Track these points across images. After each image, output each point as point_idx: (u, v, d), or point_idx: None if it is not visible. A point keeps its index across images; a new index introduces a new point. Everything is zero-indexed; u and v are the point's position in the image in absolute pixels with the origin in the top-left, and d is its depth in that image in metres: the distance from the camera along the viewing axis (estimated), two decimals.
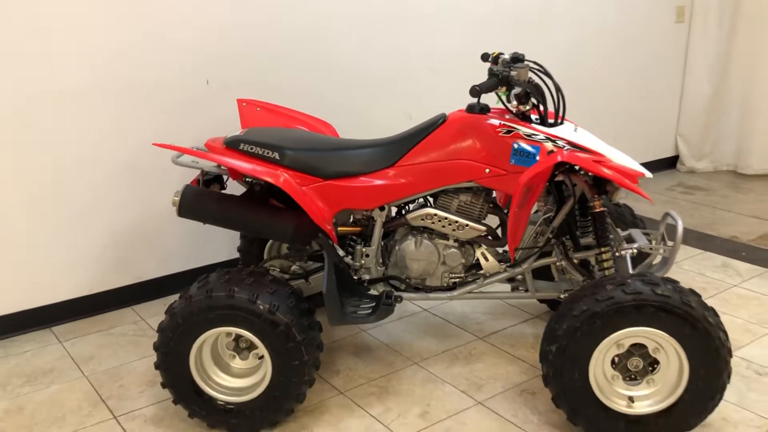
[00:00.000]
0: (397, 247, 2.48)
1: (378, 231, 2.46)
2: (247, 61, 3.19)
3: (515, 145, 2.27)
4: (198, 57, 3.06)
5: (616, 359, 2.13)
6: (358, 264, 2.49)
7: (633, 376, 2.13)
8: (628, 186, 2.10)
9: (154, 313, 3.09)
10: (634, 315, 2.03)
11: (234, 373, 2.27)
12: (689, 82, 5.26)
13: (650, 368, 2.12)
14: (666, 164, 5.48)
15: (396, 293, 2.48)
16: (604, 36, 4.62)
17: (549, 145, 2.24)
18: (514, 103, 2.26)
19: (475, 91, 2.11)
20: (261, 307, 2.09)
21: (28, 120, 2.72)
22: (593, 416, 2.14)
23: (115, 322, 3.01)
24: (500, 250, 2.53)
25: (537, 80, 2.30)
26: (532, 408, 2.37)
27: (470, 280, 2.52)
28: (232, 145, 2.39)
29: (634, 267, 2.51)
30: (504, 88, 2.22)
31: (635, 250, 2.44)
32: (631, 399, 2.13)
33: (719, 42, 5.12)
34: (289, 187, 2.18)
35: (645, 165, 5.22)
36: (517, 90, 2.20)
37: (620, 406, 2.12)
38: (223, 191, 2.46)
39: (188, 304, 2.12)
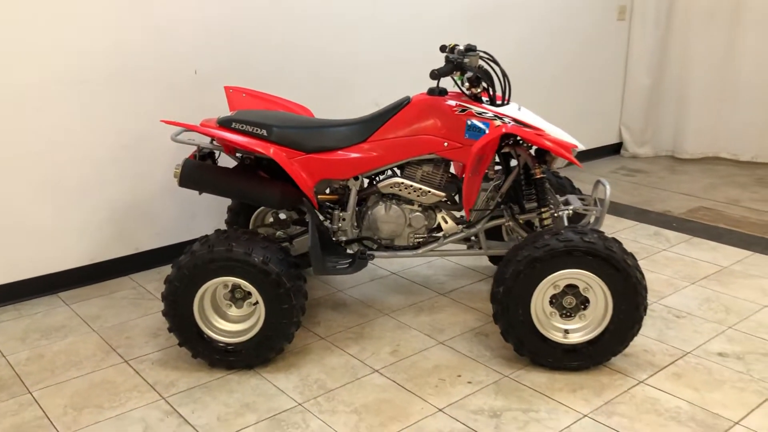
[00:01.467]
0: (369, 212, 2.87)
1: (353, 198, 2.85)
2: (232, 53, 3.55)
3: (468, 122, 2.68)
4: (187, 49, 3.40)
5: (553, 298, 2.55)
6: (335, 227, 2.88)
7: (568, 313, 2.56)
8: (562, 155, 2.53)
9: (151, 280, 3.43)
10: (566, 259, 2.46)
11: (231, 319, 2.63)
12: (631, 75, 5.77)
13: (582, 306, 2.55)
14: (611, 150, 5.98)
15: (369, 252, 2.88)
16: (552, 32, 5.09)
17: (497, 122, 2.66)
18: (468, 86, 2.68)
19: (434, 74, 2.52)
20: (255, 258, 2.47)
21: (38, 105, 3.04)
22: (535, 346, 2.56)
23: (115, 288, 3.35)
24: (458, 214, 2.95)
25: (487, 68, 2.71)
26: (485, 345, 2.78)
27: (432, 240, 2.93)
28: (225, 124, 2.75)
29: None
30: (458, 73, 2.63)
31: (571, 211, 2.88)
32: (566, 331, 2.57)
33: (657, 39, 5.63)
34: (279, 157, 2.56)
35: (592, 151, 5.75)
36: (469, 74, 2.61)
37: (557, 337, 2.55)
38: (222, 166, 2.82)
39: (192, 258, 2.49)
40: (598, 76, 5.58)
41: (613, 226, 4.18)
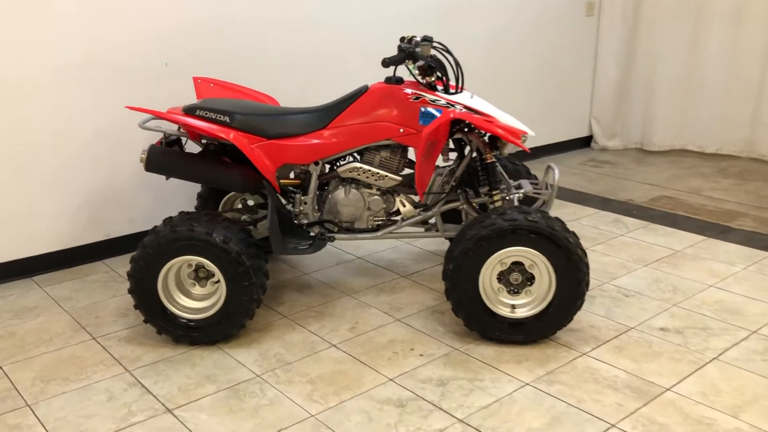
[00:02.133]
0: (330, 196, 3.00)
1: (313, 182, 2.97)
2: (201, 45, 3.67)
3: (422, 109, 2.82)
4: (158, 42, 3.52)
5: (501, 275, 2.68)
6: (297, 210, 3.00)
7: (515, 289, 2.69)
8: (511, 140, 2.66)
9: (122, 265, 3.55)
10: (511, 237, 2.59)
11: (194, 297, 2.75)
12: (600, 69, 5.92)
13: (528, 282, 2.68)
14: (582, 143, 6.13)
15: (329, 234, 3.01)
16: (522, 27, 5.23)
17: (451, 109, 2.78)
18: (421, 74, 2.81)
19: (385, 62, 2.65)
20: (216, 238, 2.59)
21: (12, 94, 3.15)
22: (484, 321, 2.70)
23: (88, 272, 3.46)
24: (416, 198, 3.08)
25: (441, 57, 2.84)
26: (440, 322, 2.92)
27: (390, 222, 3.06)
28: (190, 111, 2.87)
29: None
30: (411, 62, 2.76)
31: (522, 194, 3.02)
32: (513, 306, 2.70)
33: (624, 34, 5.79)
34: (239, 142, 2.69)
35: (563, 144, 5.89)
36: (420, 63, 2.74)
37: (505, 312, 2.69)
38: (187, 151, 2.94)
39: (156, 238, 2.61)
40: (569, 70, 5.73)
41: (575, 214, 4.33)
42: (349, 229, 3.05)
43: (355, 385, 2.46)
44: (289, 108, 2.97)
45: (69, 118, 3.33)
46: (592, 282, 3.31)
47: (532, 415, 2.29)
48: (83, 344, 2.76)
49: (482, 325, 2.71)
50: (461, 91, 2.91)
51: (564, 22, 5.52)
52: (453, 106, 2.80)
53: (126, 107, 2.61)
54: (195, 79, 3.26)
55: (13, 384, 2.48)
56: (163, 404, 2.36)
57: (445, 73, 2.83)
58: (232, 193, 3.40)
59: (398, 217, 3.07)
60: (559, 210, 4.40)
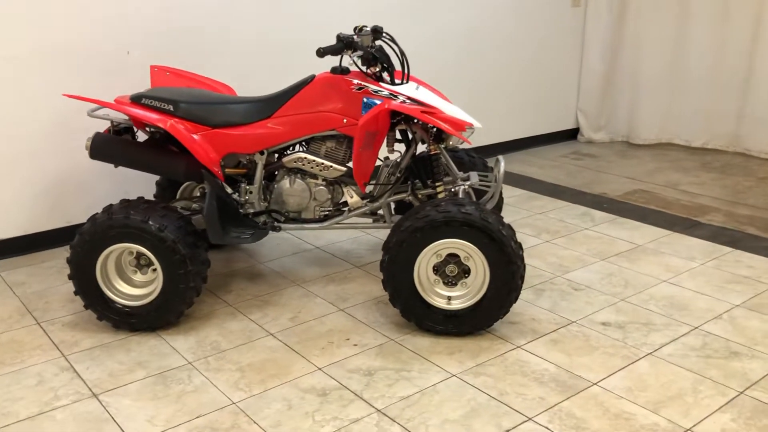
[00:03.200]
0: (276, 186, 3.01)
1: (259, 172, 2.98)
2: (165, 35, 3.68)
3: (365, 99, 2.81)
4: (121, 31, 3.54)
5: (437, 267, 2.68)
6: (243, 199, 3.01)
7: (451, 281, 2.69)
8: (448, 130, 2.65)
9: None
10: (444, 229, 2.58)
11: (135, 284, 2.77)
12: (586, 61, 5.86)
13: (465, 274, 2.68)
14: (568, 135, 6.08)
15: (276, 224, 3.02)
16: (504, 18, 5.18)
17: (394, 100, 2.77)
18: (365, 65, 2.79)
19: (319, 52, 2.65)
20: (152, 226, 2.61)
21: None
22: (420, 312, 2.70)
23: (47, 258, 3.50)
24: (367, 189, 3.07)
25: (389, 47, 2.83)
26: (382, 313, 2.92)
27: (337, 213, 3.06)
28: (136, 99, 2.89)
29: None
30: (351, 52, 2.75)
31: (467, 186, 3.01)
32: (449, 298, 2.70)
33: (610, 25, 5.72)
34: (175, 130, 2.70)
35: (549, 136, 5.85)
36: (359, 52, 2.73)
37: (440, 303, 2.69)
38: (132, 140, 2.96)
39: (93, 225, 2.64)
40: (555, 62, 5.68)
41: (544, 206, 4.30)
42: (296, 219, 3.06)
43: (282, 374, 2.48)
44: (235, 97, 2.98)
45: (29, 105, 3.37)
46: (543, 275, 3.29)
47: (451, 406, 2.29)
48: (26, 329, 2.80)
49: (418, 316, 2.71)
50: (406, 82, 2.90)
51: (549, 12, 5.47)
52: (395, 97, 2.79)
53: (63, 95, 2.64)
54: (152, 67, 3.27)
55: None
56: (90, 389, 2.39)
57: (389, 63, 2.82)
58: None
59: (345, 208, 3.07)
60: (529, 202, 4.37)
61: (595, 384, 2.41)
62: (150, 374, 2.48)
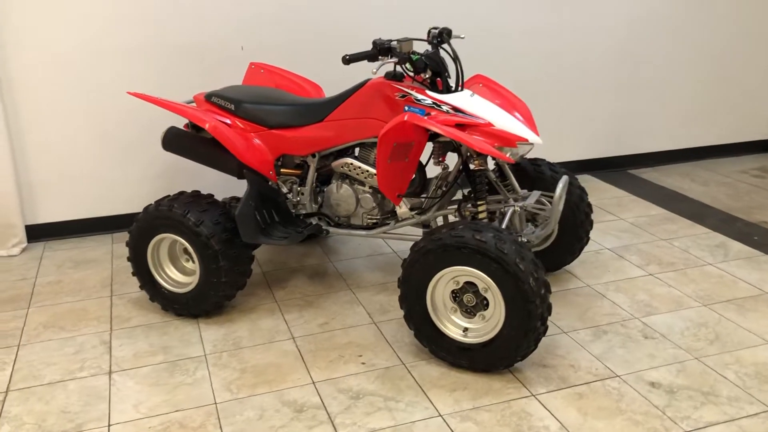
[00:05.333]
0: (326, 190, 2.99)
1: (310, 174, 2.98)
2: (277, 31, 3.82)
3: (406, 108, 2.66)
4: (236, 26, 3.74)
5: (456, 293, 2.47)
6: (296, 200, 3.04)
7: (470, 311, 2.47)
8: (471, 145, 2.42)
9: None
10: (457, 255, 2.37)
11: (186, 272, 2.95)
12: None
13: (485, 305, 2.44)
14: (760, 147, 5.21)
15: (325, 227, 3.01)
16: (679, 6, 4.56)
17: (436, 110, 2.58)
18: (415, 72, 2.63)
19: (345, 59, 2.55)
20: (190, 219, 2.75)
21: (101, 74, 3.60)
22: (432, 338, 2.52)
23: None
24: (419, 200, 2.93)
25: (444, 53, 2.65)
26: (408, 332, 2.77)
27: (385, 222, 2.96)
28: (208, 97, 3.04)
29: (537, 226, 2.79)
30: (385, 58, 2.60)
31: (519, 208, 2.72)
32: (465, 329, 2.48)
33: None
34: (214, 130, 2.80)
35: (733, 146, 5.09)
36: (394, 59, 2.58)
37: (453, 333, 2.48)
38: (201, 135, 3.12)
39: (145, 214, 2.85)
40: (748, 60, 4.87)
41: (674, 232, 3.74)
42: (344, 225, 3.02)
43: (276, 381, 2.48)
44: (296, 99, 3.00)
45: (156, 90, 3.71)
46: (619, 314, 2.88)
47: None
48: (99, 300, 3.13)
49: (431, 341, 2.54)
50: (459, 89, 2.68)
51: (737, 4, 4.70)
52: (439, 106, 2.61)
53: (128, 93, 2.86)
54: (251, 64, 3.42)
55: (23, 325, 2.91)
56: (110, 366, 2.60)
57: (440, 69, 2.63)
58: None
59: (393, 217, 2.96)
60: (660, 225, 3.83)
61: None
62: (166, 360, 2.63)
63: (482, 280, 2.37)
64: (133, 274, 2.96)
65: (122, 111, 3.70)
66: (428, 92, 2.64)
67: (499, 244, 2.31)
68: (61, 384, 2.50)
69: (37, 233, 3.77)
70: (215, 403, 2.37)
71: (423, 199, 2.88)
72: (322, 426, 2.24)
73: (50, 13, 3.47)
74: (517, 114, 2.71)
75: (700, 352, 2.59)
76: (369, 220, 2.97)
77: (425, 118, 2.50)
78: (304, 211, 3.05)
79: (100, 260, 3.53)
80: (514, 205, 2.73)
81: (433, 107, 2.60)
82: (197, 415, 2.31)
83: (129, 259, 2.95)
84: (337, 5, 3.90)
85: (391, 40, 2.60)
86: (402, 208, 2.90)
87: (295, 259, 3.50)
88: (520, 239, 2.38)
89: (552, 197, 2.83)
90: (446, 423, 2.23)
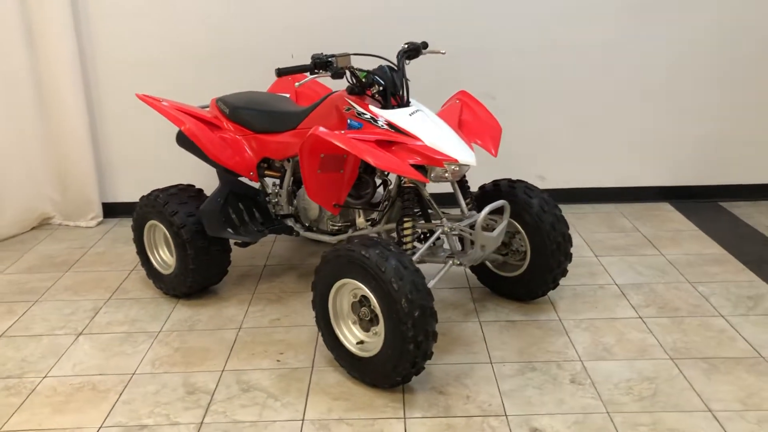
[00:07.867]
0: (297, 194, 3.15)
1: (287, 178, 3.16)
2: (324, 37, 4.02)
3: (348, 121, 2.73)
4: (284, 34, 4.03)
5: (355, 306, 2.50)
6: (274, 201, 3.23)
7: (366, 325, 2.49)
8: (372, 162, 2.43)
9: None
10: (348, 267, 2.41)
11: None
12: None
13: (378, 321, 2.44)
14: None
15: (297, 229, 3.18)
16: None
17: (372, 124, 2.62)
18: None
19: (277, 71, 2.67)
20: (168, 210, 3.07)
21: (175, 78, 4.10)
22: (333, 345, 2.58)
23: None
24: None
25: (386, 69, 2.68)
26: None
27: (345, 230, 3.04)
28: (216, 102, 3.35)
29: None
30: (321, 72, 2.67)
31: (447, 229, 2.67)
32: (361, 342, 2.51)
33: None
34: (190, 132, 3.08)
35: None
36: (327, 73, 2.65)
37: (348, 343, 2.52)
38: None
39: (140, 202, 3.24)
40: None
41: (712, 276, 3.32)
42: (312, 228, 3.15)
43: (195, 364, 2.70)
44: (282, 107, 3.19)
45: (199, 97, 4.12)
46: (562, 353, 2.68)
47: None
48: (119, 273, 3.58)
49: (332, 348, 2.60)
50: (404, 104, 2.69)
51: None
52: (376, 120, 2.64)
53: (136, 95, 3.23)
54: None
55: (51, 285, 3.45)
56: (83, 329, 3.01)
57: (383, 85, 2.66)
58: None
59: (353, 226, 3.03)
60: (701, 267, 3.41)
61: None
62: (127, 331, 2.98)
63: (369, 295, 2.39)
64: (137, 252, 3.37)
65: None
66: (370, 107, 2.69)
67: (380, 261, 2.31)
68: (38, 337, 2.96)
69: (114, 211, 4.38)
70: (132, 374, 2.66)
71: (376, 212, 2.92)
72: (195, 410, 2.42)
73: (132, 25, 4.03)
74: (460, 135, 2.65)
75: (616, 407, 2.34)
76: (332, 227, 3.08)
77: (339, 133, 2.56)
78: (282, 212, 3.24)
79: None
80: (443, 226, 2.67)
81: (370, 122, 2.65)
82: (111, 381, 2.61)
83: (133, 240, 3.36)
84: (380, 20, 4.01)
85: (332, 55, 2.68)
86: (360, 218, 2.97)
87: (300, 257, 3.70)
88: (409, 260, 2.36)
89: (494, 220, 2.73)
90: (301, 428, 2.30)
